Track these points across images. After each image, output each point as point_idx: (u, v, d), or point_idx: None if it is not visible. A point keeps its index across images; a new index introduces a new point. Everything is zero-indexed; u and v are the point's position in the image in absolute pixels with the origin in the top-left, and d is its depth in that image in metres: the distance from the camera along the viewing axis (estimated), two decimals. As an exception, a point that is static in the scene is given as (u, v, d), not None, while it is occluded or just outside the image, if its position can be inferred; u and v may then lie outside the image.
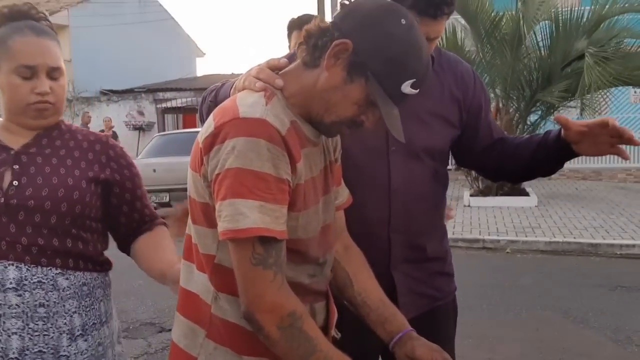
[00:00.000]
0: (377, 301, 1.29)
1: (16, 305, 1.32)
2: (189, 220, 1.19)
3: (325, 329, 1.23)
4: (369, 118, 1.12)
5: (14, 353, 1.31)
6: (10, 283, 1.31)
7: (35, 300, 1.34)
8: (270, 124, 1.05)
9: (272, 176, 1.03)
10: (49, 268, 1.36)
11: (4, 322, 1.30)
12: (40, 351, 1.34)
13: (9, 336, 1.30)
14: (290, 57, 1.21)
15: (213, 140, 1.06)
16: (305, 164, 1.12)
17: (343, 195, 1.36)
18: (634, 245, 6.51)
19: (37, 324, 1.34)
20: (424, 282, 1.60)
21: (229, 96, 1.23)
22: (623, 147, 1.39)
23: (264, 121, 1.05)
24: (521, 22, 8.34)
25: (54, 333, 1.36)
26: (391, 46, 1.06)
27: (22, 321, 1.32)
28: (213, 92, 1.45)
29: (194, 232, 1.17)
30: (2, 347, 1.29)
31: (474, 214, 8.38)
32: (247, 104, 1.08)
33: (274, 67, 1.17)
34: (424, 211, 1.58)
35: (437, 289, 1.64)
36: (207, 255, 1.14)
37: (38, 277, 1.34)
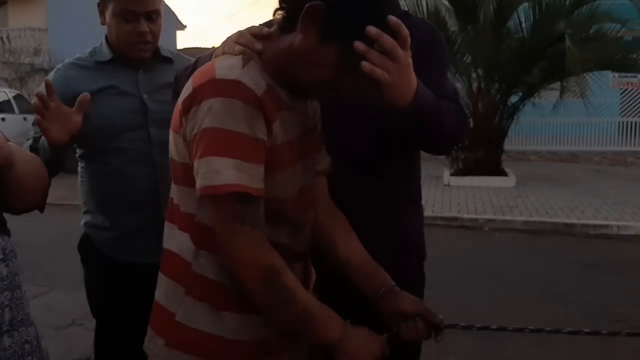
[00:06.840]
0: (360, 261, 1.31)
1: (6, 276, 1.30)
2: (172, 182, 1.19)
3: None
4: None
5: (6, 325, 1.30)
6: None
7: (15, 269, 1.33)
8: (246, 85, 1.06)
9: (247, 136, 1.05)
10: None
11: None
12: (22, 319, 1.35)
13: (3, 310, 1.30)
14: (269, 25, 1.20)
15: (191, 102, 1.08)
16: (282, 125, 1.13)
17: (325, 162, 1.36)
18: (607, 226, 6.66)
19: (18, 293, 1.33)
20: None
21: None
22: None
23: (240, 82, 1.06)
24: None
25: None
26: (362, 4, 1.05)
27: (10, 292, 1.30)
28: (188, 70, 1.44)
29: (176, 192, 1.19)
30: None
31: (453, 193, 8.47)
32: (224, 66, 1.10)
33: (255, 34, 1.17)
34: None
35: None
36: (188, 215, 1.15)
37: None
